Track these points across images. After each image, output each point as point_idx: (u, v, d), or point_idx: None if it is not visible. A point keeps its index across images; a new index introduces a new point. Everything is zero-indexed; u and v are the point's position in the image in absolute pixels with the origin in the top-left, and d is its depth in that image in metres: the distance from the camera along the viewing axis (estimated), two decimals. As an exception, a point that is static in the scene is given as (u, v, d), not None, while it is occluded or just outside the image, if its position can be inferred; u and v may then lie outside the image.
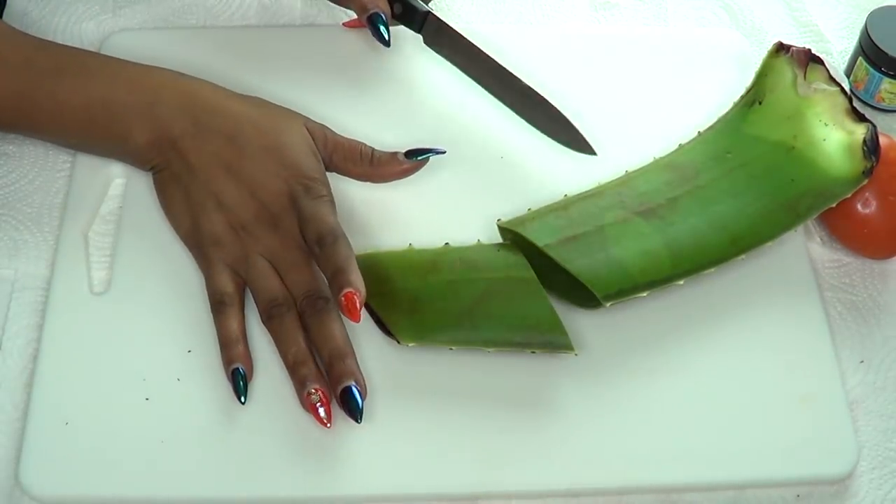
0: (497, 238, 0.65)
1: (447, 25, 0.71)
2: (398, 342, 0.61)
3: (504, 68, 0.70)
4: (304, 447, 0.58)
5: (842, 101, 0.67)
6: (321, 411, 0.58)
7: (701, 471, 0.59)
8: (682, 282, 0.63)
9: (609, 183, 0.67)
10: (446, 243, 0.64)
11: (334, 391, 0.58)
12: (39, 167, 0.69)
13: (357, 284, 0.59)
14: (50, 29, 0.76)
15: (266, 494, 0.57)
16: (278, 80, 0.71)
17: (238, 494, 0.57)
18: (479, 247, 0.65)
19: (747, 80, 0.71)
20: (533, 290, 0.61)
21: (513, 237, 0.64)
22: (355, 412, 0.58)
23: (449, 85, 0.73)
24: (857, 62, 0.75)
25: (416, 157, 0.66)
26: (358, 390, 0.58)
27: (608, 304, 0.62)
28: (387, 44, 0.69)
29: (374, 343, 0.62)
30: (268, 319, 0.61)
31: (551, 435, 0.60)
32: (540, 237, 0.63)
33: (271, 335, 0.61)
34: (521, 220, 0.64)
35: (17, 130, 0.68)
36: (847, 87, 0.69)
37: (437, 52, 0.72)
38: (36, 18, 0.77)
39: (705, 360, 0.63)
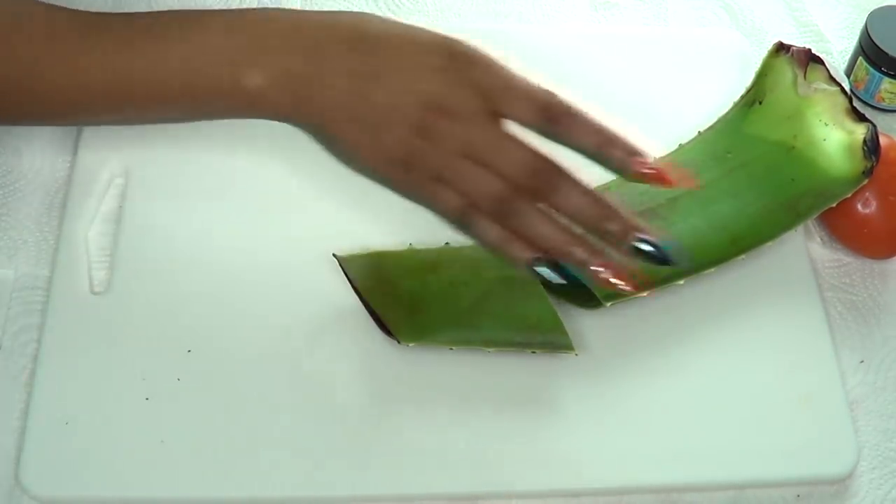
0: (497, 238, 0.65)
1: None
2: (398, 342, 0.61)
3: None
4: (303, 447, 0.58)
5: (842, 101, 0.67)
6: (619, 283, 0.54)
7: (701, 471, 0.59)
8: (682, 282, 0.63)
9: (609, 183, 0.67)
10: (446, 243, 0.64)
11: (629, 253, 0.53)
12: (39, 167, 0.69)
13: (634, 147, 0.53)
14: (50, 29, 0.76)
15: (265, 494, 0.57)
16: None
17: (238, 494, 0.57)
18: (480, 247, 0.64)
19: (747, 80, 0.71)
20: (533, 290, 0.61)
21: (513, 237, 0.64)
22: (668, 260, 0.53)
23: (449, 85, 0.73)
24: (857, 62, 0.75)
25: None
26: (650, 241, 0.53)
27: (608, 304, 0.62)
28: None
29: (374, 343, 0.62)
30: (504, 221, 0.54)
31: (551, 435, 0.60)
32: (540, 237, 0.63)
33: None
34: (521, 220, 0.64)
35: (119, 116, 0.59)
36: (847, 87, 0.69)
37: None
38: (36, 18, 0.76)
39: (705, 360, 0.63)
